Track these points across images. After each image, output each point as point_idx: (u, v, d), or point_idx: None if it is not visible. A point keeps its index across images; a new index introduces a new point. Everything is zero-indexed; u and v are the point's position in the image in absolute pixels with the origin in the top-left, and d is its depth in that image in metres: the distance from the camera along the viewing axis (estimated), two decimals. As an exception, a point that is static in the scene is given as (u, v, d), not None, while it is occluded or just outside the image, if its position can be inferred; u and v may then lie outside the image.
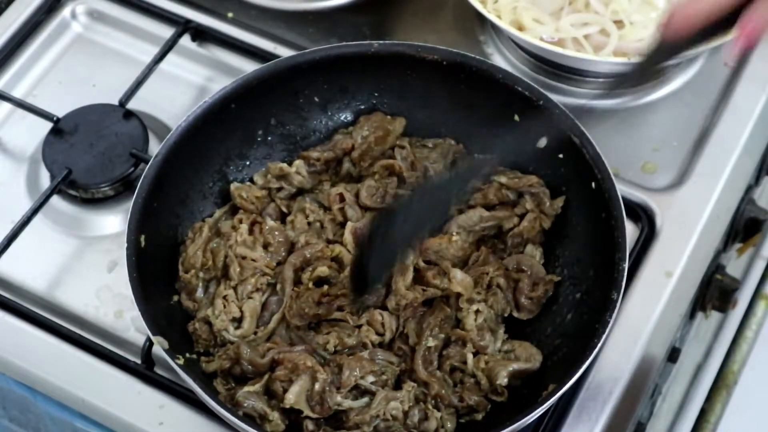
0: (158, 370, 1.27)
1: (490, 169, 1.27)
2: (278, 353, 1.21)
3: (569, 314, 1.25)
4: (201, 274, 1.27)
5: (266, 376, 1.20)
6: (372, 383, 1.20)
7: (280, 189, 1.35)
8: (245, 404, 1.17)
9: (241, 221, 1.30)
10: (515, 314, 1.27)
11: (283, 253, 1.29)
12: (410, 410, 1.18)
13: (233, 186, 1.34)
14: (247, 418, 1.16)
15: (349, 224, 1.30)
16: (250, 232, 1.29)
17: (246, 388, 1.18)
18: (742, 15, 1.05)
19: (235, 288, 1.26)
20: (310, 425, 1.18)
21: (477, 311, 1.24)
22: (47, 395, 1.29)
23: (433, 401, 1.20)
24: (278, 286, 1.27)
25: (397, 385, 1.22)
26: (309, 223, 1.32)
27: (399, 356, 1.23)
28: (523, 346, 1.24)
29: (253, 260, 1.27)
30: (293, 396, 1.17)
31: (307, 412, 1.17)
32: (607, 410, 1.24)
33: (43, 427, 1.36)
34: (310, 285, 1.26)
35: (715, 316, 1.59)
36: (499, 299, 1.26)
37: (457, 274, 1.25)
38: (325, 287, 1.26)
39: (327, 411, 1.18)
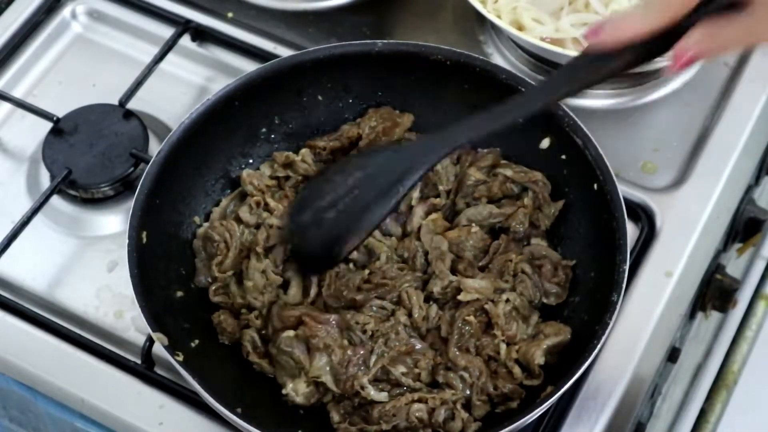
0: (158, 370, 1.27)
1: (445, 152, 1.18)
2: (307, 314, 1.20)
3: (569, 315, 1.26)
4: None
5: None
6: (403, 374, 1.20)
7: (287, 178, 1.35)
8: (286, 349, 1.18)
9: (258, 203, 1.30)
10: (545, 300, 1.27)
11: None
12: (437, 409, 1.18)
13: (245, 172, 1.33)
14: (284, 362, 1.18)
15: None
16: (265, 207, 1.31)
17: (286, 333, 1.19)
18: (676, 39, 1.02)
19: (266, 255, 1.26)
20: (336, 417, 1.18)
21: (507, 300, 1.24)
22: (47, 395, 1.29)
23: (468, 391, 1.20)
24: None
25: (433, 382, 1.22)
26: None
27: (435, 350, 1.23)
28: (549, 324, 1.24)
29: (280, 228, 1.27)
30: (317, 370, 1.17)
31: (330, 385, 1.18)
32: (607, 410, 1.24)
33: (43, 427, 1.35)
34: (351, 266, 1.26)
35: (715, 316, 1.59)
36: (528, 285, 1.26)
37: (472, 283, 1.25)
38: (366, 272, 1.26)
39: (350, 389, 1.18)
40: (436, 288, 1.25)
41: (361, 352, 1.19)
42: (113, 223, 1.40)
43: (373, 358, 1.19)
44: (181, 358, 1.16)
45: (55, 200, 1.41)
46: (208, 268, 1.28)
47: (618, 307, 1.16)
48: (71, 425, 1.30)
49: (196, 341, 1.23)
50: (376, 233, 1.28)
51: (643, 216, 1.38)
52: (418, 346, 1.21)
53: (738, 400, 1.42)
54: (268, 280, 1.25)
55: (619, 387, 1.26)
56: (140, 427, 1.24)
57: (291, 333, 1.20)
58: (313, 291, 1.25)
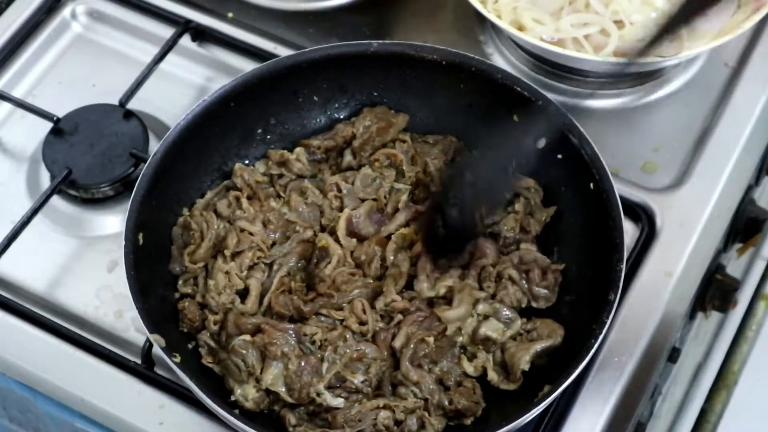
0: (158, 370, 1.27)
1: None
2: (266, 323, 1.21)
3: (566, 314, 1.25)
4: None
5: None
6: (362, 383, 1.20)
7: (280, 176, 1.35)
8: (240, 350, 1.18)
9: (238, 198, 1.31)
10: (534, 305, 1.27)
11: (280, 234, 1.29)
12: (407, 419, 1.18)
13: (238, 165, 1.34)
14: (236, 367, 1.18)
15: (346, 211, 1.30)
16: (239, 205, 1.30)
17: (242, 337, 1.19)
18: None
19: (233, 258, 1.26)
20: (292, 419, 1.18)
21: (478, 315, 1.24)
22: (47, 395, 1.29)
23: (422, 402, 1.20)
24: (275, 268, 1.27)
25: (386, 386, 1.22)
26: (306, 203, 1.32)
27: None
28: (545, 322, 1.24)
29: (251, 234, 1.27)
30: (271, 377, 1.17)
31: (283, 395, 1.18)
32: (607, 410, 1.24)
33: (43, 427, 1.36)
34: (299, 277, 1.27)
35: (715, 316, 1.59)
36: (510, 292, 1.26)
37: (451, 315, 1.24)
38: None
39: (305, 397, 1.18)
40: (379, 304, 1.25)
41: (312, 361, 1.19)
42: (113, 223, 1.41)
43: (325, 366, 1.19)
44: (178, 360, 1.16)
45: (55, 200, 1.41)
46: (181, 256, 1.28)
47: (615, 306, 1.16)
48: (71, 425, 1.30)
49: (194, 342, 1.24)
50: (342, 232, 1.28)
51: (644, 216, 1.38)
52: (368, 350, 1.21)
53: (738, 400, 1.41)
54: (229, 282, 1.25)
55: (619, 387, 1.26)
56: (140, 427, 1.24)
57: (247, 337, 1.20)
58: (265, 301, 1.25)
